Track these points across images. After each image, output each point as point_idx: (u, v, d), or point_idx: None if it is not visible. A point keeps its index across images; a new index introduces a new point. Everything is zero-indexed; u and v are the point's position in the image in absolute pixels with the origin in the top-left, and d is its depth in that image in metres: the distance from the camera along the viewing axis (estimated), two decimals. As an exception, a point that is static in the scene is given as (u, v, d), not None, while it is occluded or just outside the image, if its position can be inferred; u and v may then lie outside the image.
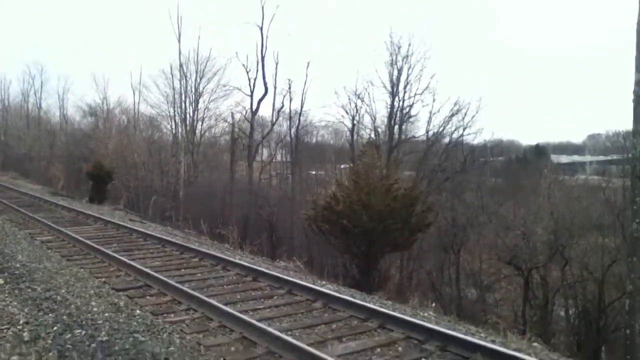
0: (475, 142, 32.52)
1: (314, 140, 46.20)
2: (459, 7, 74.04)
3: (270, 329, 5.94)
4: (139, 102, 44.54)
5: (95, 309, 6.79)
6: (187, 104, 37.70)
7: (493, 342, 6.20)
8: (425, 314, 7.92)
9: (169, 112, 39.45)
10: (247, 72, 34.84)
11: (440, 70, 45.73)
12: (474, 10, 76.03)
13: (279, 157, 45.33)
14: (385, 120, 31.26)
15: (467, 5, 74.35)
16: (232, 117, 36.12)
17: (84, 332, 5.95)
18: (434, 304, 12.74)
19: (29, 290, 7.75)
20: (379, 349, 5.81)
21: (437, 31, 73.62)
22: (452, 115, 30.32)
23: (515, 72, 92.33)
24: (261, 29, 34.02)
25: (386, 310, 6.97)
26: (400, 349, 5.86)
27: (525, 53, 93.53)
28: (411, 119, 31.68)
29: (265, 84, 34.75)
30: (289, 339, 5.66)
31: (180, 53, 35.49)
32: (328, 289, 8.46)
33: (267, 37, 34.17)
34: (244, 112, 35.99)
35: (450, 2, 74.59)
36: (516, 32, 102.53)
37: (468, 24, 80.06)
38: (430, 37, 61.88)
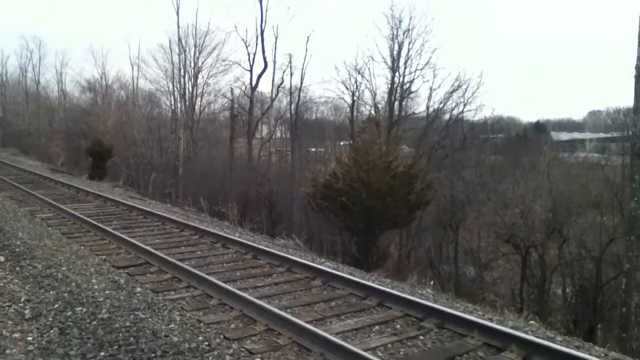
0: (476, 118, 32.55)
1: (314, 117, 46.08)
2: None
3: (269, 307, 5.99)
4: (137, 77, 44.33)
5: (96, 287, 6.84)
6: (186, 79, 37.53)
7: (490, 320, 6.25)
8: (424, 292, 7.97)
9: (168, 88, 39.26)
10: (247, 47, 34.60)
11: (441, 46, 45.23)
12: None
13: (278, 134, 45.22)
14: (386, 96, 31.16)
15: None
16: (232, 93, 35.92)
17: (84, 310, 6.00)
18: (432, 282, 12.82)
19: (30, 267, 7.80)
20: (377, 327, 5.86)
21: (437, 4, 72.78)
22: (453, 91, 30.32)
23: (516, 48, 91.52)
24: (260, 1, 33.68)
25: (385, 288, 7.01)
26: (398, 326, 5.91)
27: (528, 33, 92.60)
28: (411, 95, 31.66)
29: (264, 58, 34.52)
30: (289, 316, 5.71)
31: (178, 26, 35.21)
32: (327, 266, 8.51)
33: (266, 10, 33.86)
34: (243, 88, 35.80)
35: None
36: (518, 11, 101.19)
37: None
38: (432, 9, 61.14)
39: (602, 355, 5.34)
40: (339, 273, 7.74)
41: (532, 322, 7.04)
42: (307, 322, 5.61)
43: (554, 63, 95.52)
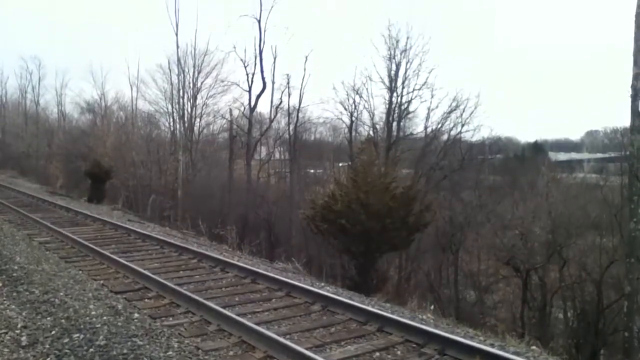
0: (474, 139, 32.46)
1: (312, 138, 46.16)
2: (458, 3, 74.11)
3: (269, 333, 5.94)
4: (136, 98, 44.40)
5: (93, 312, 6.78)
6: (185, 100, 37.49)
7: (492, 345, 6.20)
8: (424, 317, 7.92)
9: (167, 109, 39.27)
10: (245, 67, 34.76)
11: (438, 65, 45.52)
12: (473, 6, 76.13)
13: (277, 155, 45.24)
14: (384, 116, 31.20)
15: (466, 2, 74.43)
16: (230, 114, 36.05)
17: (82, 336, 5.93)
18: (432, 306, 12.73)
19: (27, 293, 7.74)
20: (377, 353, 5.81)
21: (435, 23, 73.80)
22: (451, 111, 30.29)
23: (513, 67, 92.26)
24: (259, 22, 33.93)
25: (385, 313, 6.97)
26: (399, 352, 5.86)
27: (525, 52, 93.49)
28: (409, 116, 31.62)
29: (263, 79, 34.65)
30: (288, 342, 5.66)
31: (178, 47, 35.22)
32: (327, 291, 8.45)
33: (265, 30, 34.07)
34: (242, 109, 35.93)
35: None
36: (515, 30, 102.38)
37: (466, 20, 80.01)
38: (429, 30, 61.61)
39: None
40: (339, 297, 7.69)
41: (533, 347, 6.98)
42: (306, 349, 5.56)
43: (553, 69, 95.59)
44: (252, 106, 35.10)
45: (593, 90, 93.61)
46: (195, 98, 37.77)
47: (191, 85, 37.55)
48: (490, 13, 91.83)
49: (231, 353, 5.72)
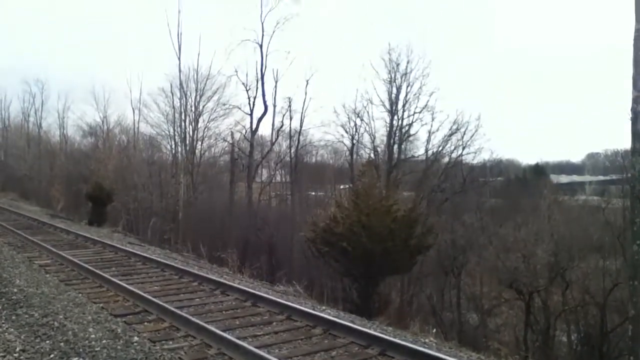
0: (475, 161, 32.52)
1: (314, 160, 46.21)
2: (457, 16, 74.91)
3: (269, 357, 5.88)
4: (138, 121, 44.58)
5: (92, 336, 6.73)
6: (187, 123, 37.53)
7: (495, 370, 6.13)
8: (427, 340, 7.84)
9: (169, 132, 39.38)
10: (247, 91, 35.01)
11: (439, 87, 45.67)
12: (472, 18, 77.00)
13: (278, 178, 45.25)
14: (385, 139, 31.31)
15: (465, 13, 75.23)
16: (232, 137, 36.21)
17: (81, 360, 5.88)
18: (434, 330, 12.63)
19: (26, 316, 7.67)
20: (379, 378, 5.75)
21: (435, 46, 74.37)
22: (452, 134, 30.42)
23: (515, 81, 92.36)
24: (261, 46, 34.26)
25: (387, 337, 6.91)
26: (401, 377, 5.79)
27: (526, 54, 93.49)
28: (410, 138, 31.75)
29: (264, 102, 34.89)
30: (289, 367, 5.60)
31: (180, 71, 35.45)
32: (328, 314, 8.39)
33: (266, 55, 34.35)
34: (243, 132, 36.09)
35: (448, 15, 75.52)
36: (516, 36, 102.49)
37: (466, 35, 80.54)
38: (429, 52, 61.81)
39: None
40: (340, 321, 7.63)
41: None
42: (307, 373, 5.50)
43: (554, 70, 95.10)
44: (253, 129, 35.33)
45: (594, 107, 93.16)
46: (197, 121, 37.85)
47: (193, 108, 37.66)
48: (490, 13, 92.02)
49: (231, 377, 5.66)
